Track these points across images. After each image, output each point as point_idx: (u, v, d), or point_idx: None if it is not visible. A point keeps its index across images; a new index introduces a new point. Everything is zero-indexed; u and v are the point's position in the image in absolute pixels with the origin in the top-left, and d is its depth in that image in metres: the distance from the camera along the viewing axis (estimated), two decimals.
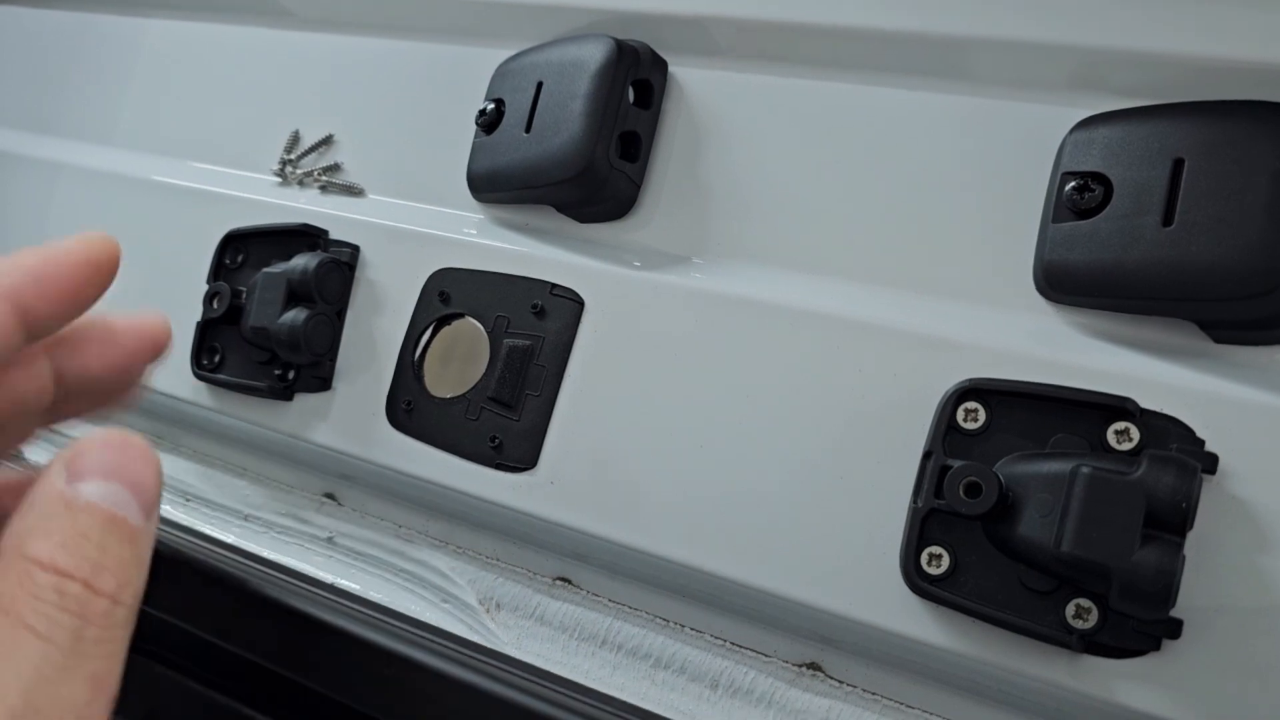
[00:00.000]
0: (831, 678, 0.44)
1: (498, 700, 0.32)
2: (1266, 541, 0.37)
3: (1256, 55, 0.40)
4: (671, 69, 0.52)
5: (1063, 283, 0.42)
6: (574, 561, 0.50)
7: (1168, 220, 0.40)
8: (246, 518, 0.57)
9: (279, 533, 0.56)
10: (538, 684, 0.34)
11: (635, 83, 0.51)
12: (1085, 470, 0.37)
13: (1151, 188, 0.40)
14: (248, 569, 0.42)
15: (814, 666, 0.45)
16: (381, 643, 0.34)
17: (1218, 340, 0.40)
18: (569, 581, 0.50)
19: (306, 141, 0.62)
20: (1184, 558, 0.36)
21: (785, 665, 0.45)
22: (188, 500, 0.59)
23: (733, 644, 0.46)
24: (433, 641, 0.36)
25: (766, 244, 0.48)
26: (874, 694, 0.43)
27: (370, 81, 0.61)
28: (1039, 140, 0.44)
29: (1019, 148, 0.44)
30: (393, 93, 0.60)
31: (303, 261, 0.54)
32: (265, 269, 0.55)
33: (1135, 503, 0.36)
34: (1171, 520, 0.36)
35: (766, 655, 0.45)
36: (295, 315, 0.53)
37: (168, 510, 0.58)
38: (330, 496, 0.57)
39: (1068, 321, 0.42)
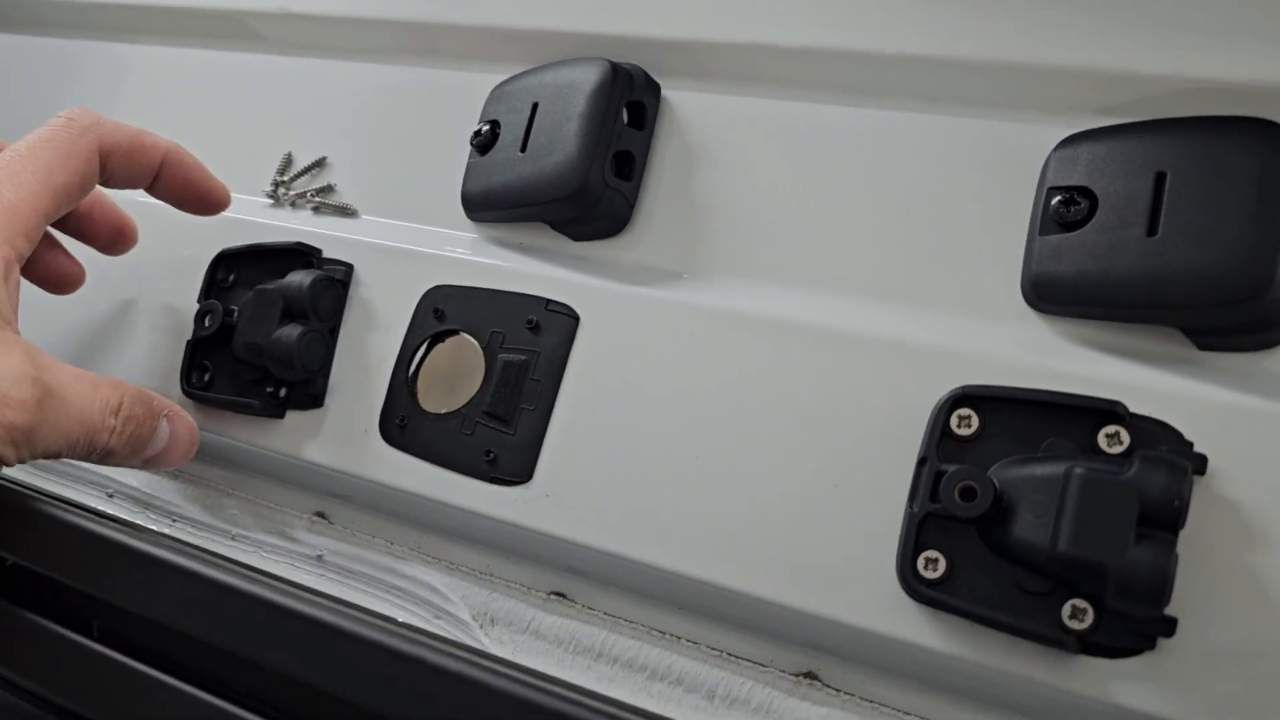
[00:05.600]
0: (829, 686, 0.44)
1: (504, 695, 0.32)
2: (1256, 540, 0.37)
3: (1235, 75, 0.42)
4: (664, 91, 0.53)
5: (1050, 293, 0.43)
6: (569, 575, 0.50)
7: (1152, 231, 0.41)
8: (234, 537, 0.57)
9: (268, 552, 0.55)
10: (543, 686, 0.34)
11: (629, 104, 0.52)
12: (1079, 471, 0.38)
13: (1135, 200, 0.41)
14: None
15: (811, 675, 0.45)
16: (388, 643, 0.34)
17: (1201, 347, 0.41)
18: (564, 596, 0.50)
19: (299, 164, 0.62)
20: (1177, 556, 0.36)
21: (782, 674, 0.45)
22: (174, 521, 0.59)
23: (729, 654, 0.46)
24: (436, 644, 0.35)
25: (759, 260, 0.49)
26: (871, 701, 0.43)
27: (365, 105, 0.62)
28: (1024, 157, 0.45)
29: (1005, 165, 0.46)
30: (387, 116, 0.61)
31: (298, 278, 0.54)
32: (260, 285, 0.55)
33: (1129, 501, 0.37)
34: (1164, 518, 0.36)
35: (763, 665, 0.45)
36: (289, 331, 0.53)
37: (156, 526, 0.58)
38: (321, 515, 0.57)
39: (1056, 331, 0.44)
